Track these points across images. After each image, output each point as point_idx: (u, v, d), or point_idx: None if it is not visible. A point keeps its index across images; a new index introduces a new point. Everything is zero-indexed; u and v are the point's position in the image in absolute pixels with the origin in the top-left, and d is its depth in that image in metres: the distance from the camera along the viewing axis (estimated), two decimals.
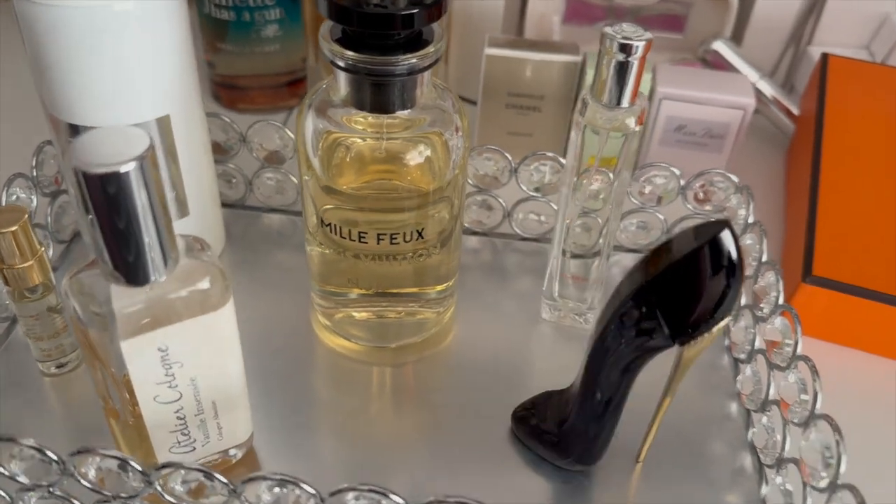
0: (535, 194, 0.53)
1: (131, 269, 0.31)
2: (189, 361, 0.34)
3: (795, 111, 0.67)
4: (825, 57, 0.64)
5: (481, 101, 0.62)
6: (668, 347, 0.35)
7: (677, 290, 0.33)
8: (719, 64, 0.69)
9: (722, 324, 0.34)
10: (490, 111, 0.62)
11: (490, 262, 0.55)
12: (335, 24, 0.38)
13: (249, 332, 0.48)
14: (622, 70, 0.39)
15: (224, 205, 0.55)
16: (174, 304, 0.33)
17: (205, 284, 0.33)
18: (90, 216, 0.30)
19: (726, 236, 0.32)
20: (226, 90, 0.68)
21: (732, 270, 0.32)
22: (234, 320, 0.35)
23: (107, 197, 0.29)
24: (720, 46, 0.69)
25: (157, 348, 0.33)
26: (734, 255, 0.32)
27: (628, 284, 0.35)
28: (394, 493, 0.31)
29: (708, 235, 0.32)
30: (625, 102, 0.40)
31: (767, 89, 0.68)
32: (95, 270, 0.33)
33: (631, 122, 0.40)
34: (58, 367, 0.44)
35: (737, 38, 0.71)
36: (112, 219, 0.30)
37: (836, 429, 0.36)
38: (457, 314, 0.50)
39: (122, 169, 0.28)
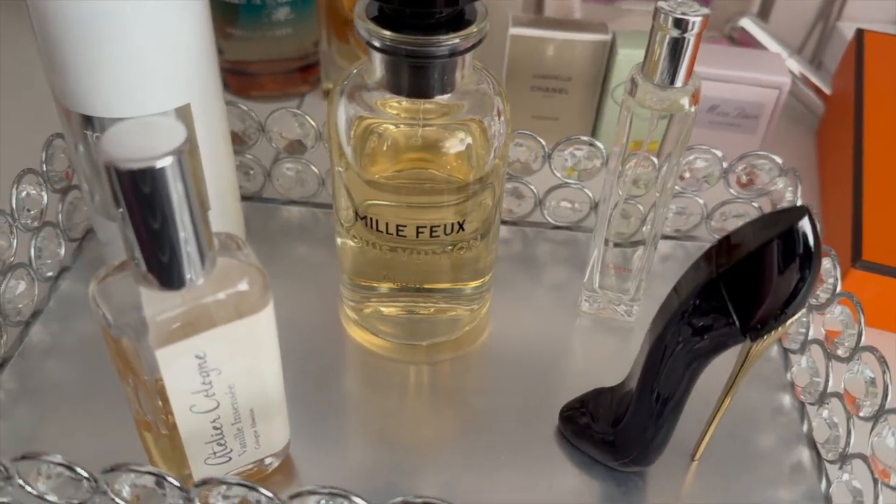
0: (569, 181, 0.51)
1: (167, 272, 0.29)
2: (227, 368, 0.32)
3: (826, 90, 0.65)
4: (860, 33, 0.62)
5: (505, 83, 0.59)
6: (737, 343, 0.33)
7: (750, 283, 0.31)
8: (746, 41, 0.67)
9: (796, 317, 0.32)
10: (514, 94, 0.60)
11: (522, 252, 0.52)
12: (371, 2, 0.35)
13: (278, 331, 0.46)
14: (677, 47, 0.36)
15: (241, 197, 0.53)
16: (211, 308, 0.31)
17: (243, 286, 0.31)
18: (122, 215, 0.27)
19: (805, 224, 0.30)
20: (235, 77, 0.65)
21: (810, 261, 0.30)
22: (274, 323, 0.33)
23: (141, 194, 0.26)
24: (747, 23, 0.66)
25: (194, 356, 0.31)
26: (813, 244, 0.30)
27: (691, 279, 0.33)
28: None
29: (785, 224, 0.30)
30: (678, 82, 0.38)
31: (796, 67, 0.65)
32: (124, 273, 0.30)
33: (685, 102, 0.38)
34: None
35: (764, 14, 0.69)
36: (147, 218, 0.27)
37: None
38: (491, 309, 0.48)
39: (158, 164, 0.26)
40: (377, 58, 0.36)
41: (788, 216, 0.30)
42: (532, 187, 0.52)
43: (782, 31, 0.68)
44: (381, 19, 0.35)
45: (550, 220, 0.53)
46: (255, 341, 0.32)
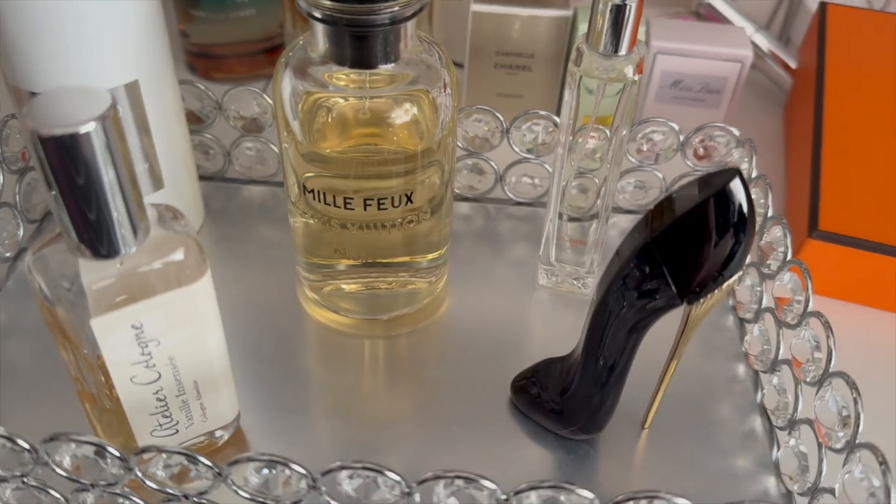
0: (528, 156, 0.51)
1: (98, 241, 0.29)
2: (166, 339, 0.32)
3: (793, 64, 0.65)
4: (823, 6, 0.62)
5: (468, 61, 0.59)
6: (675, 307, 0.33)
7: (684, 246, 0.31)
8: (713, 17, 0.67)
9: (732, 280, 0.32)
10: (478, 72, 0.60)
11: (483, 228, 0.53)
12: None
13: (234, 309, 0.46)
14: (619, 14, 0.36)
15: (202, 178, 0.53)
16: (147, 277, 0.31)
17: (178, 256, 0.31)
18: (49, 184, 0.27)
19: (736, 186, 0.30)
20: (201, 60, 0.65)
21: (743, 222, 0.30)
22: (213, 293, 0.33)
23: (66, 161, 0.26)
24: None
25: (130, 325, 0.31)
26: (745, 205, 0.30)
27: (630, 243, 0.33)
28: (389, 471, 0.30)
29: (716, 186, 0.30)
30: (622, 50, 0.38)
31: (763, 42, 0.65)
32: (61, 244, 0.30)
33: (629, 70, 0.38)
34: None
35: None
36: (73, 186, 0.27)
37: (852, 386, 0.34)
38: (450, 283, 0.48)
39: (82, 129, 0.26)
40: (319, 29, 0.36)
41: (721, 178, 0.30)
42: (492, 163, 0.52)
43: (749, 7, 0.67)
44: None
45: (511, 195, 0.53)
46: (193, 311, 0.32)
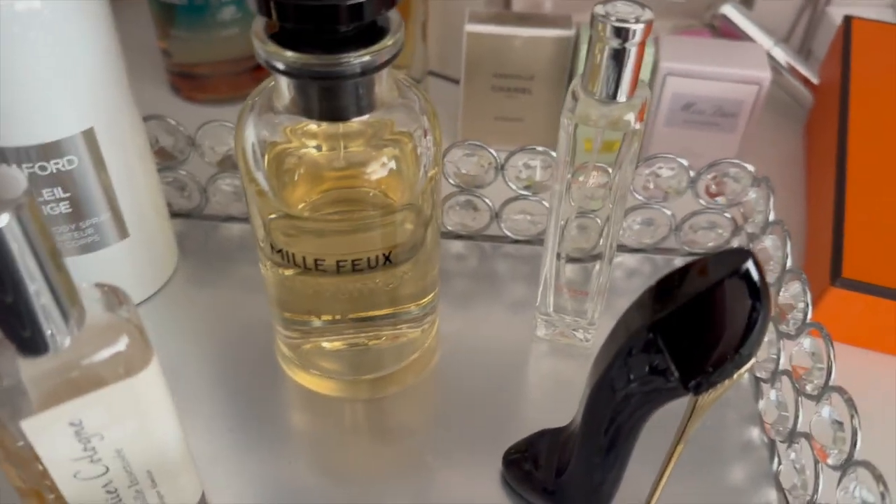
0: (525, 193, 0.47)
1: (23, 338, 0.26)
2: (110, 433, 0.29)
3: (814, 80, 0.60)
4: (848, 20, 0.57)
5: (464, 83, 0.55)
6: (680, 396, 0.29)
7: (688, 336, 0.27)
8: (728, 30, 0.62)
9: (743, 369, 0.28)
10: (474, 94, 0.56)
11: (478, 268, 0.49)
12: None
13: (205, 365, 0.43)
14: (618, 58, 0.32)
15: (177, 215, 0.49)
16: (86, 370, 0.27)
17: (121, 346, 0.28)
18: None
19: (749, 269, 0.26)
20: (184, 80, 0.61)
21: (755, 310, 0.27)
22: (160, 381, 0.30)
23: None
24: (729, 10, 0.62)
25: (68, 423, 0.28)
26: (760, 291, 0.26)
27: (632, 319, 0.29)
28: None
29: (725, 269, 0.26)
30: (622, 96, 0.34)
31: (782, 56, 0.61)
32: None
33: (630, 118, 0.34)
34: None
35: (747, 0, 0.64)
36: None
37: (879, 479, 0.31)
38: (442, 332, 0.45)
39: None
40: (283, 80, 0.32)
41: (730, 260, 0.26)
42: (487, 200, 0.48)
43: (767, 18, 0.63)
44: (282, 37, 0.31)
45: (508, 233, 0.49)
46: (139, 403, 0.29)
